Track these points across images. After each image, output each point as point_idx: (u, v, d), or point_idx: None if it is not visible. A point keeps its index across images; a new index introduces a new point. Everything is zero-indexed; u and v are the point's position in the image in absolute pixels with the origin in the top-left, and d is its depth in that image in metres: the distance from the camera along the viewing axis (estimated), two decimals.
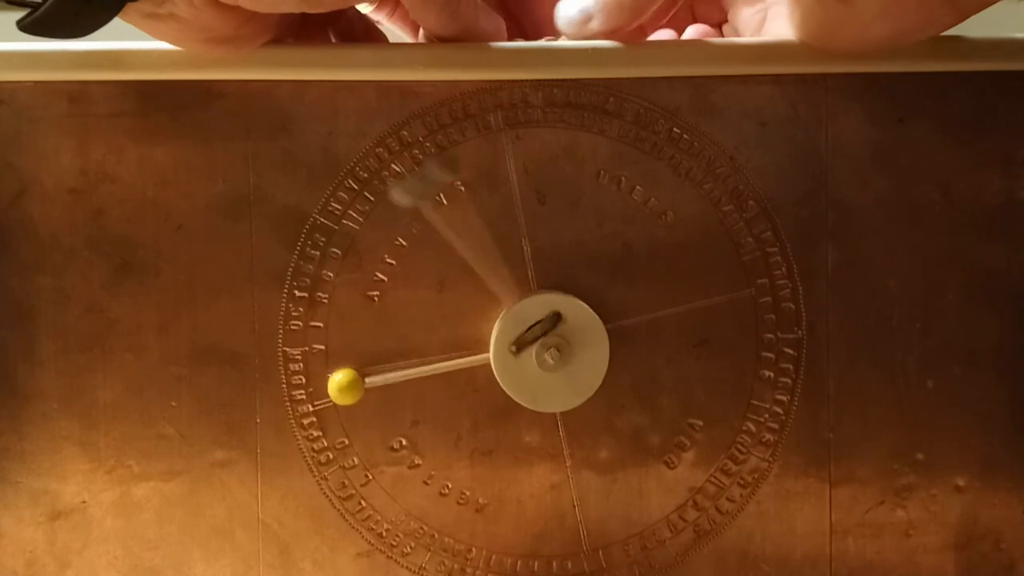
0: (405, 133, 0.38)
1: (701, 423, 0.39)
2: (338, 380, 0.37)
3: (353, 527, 0.39)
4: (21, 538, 0.39)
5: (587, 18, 0.37)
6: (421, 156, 0.38)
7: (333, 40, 0.40)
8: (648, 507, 0.39)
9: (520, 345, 0.37)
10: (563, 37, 0.38)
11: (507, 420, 0.39)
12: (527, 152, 0.38)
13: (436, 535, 0.39)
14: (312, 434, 0.39)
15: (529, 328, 0.37)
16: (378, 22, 0.42)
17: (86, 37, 0.31)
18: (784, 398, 0.39)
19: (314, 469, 0.39)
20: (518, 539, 0.39)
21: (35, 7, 0.29)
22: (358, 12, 0.40)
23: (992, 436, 0.39)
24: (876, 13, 0.32)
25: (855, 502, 0.39)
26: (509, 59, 0.37)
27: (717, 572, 0.39)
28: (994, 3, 0.33)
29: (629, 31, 0.37)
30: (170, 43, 0.35)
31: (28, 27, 0.30)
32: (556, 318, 0.37)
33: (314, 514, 0.39)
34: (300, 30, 0.38)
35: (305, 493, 0.39)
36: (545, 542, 0.39)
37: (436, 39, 0.38)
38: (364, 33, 0.40)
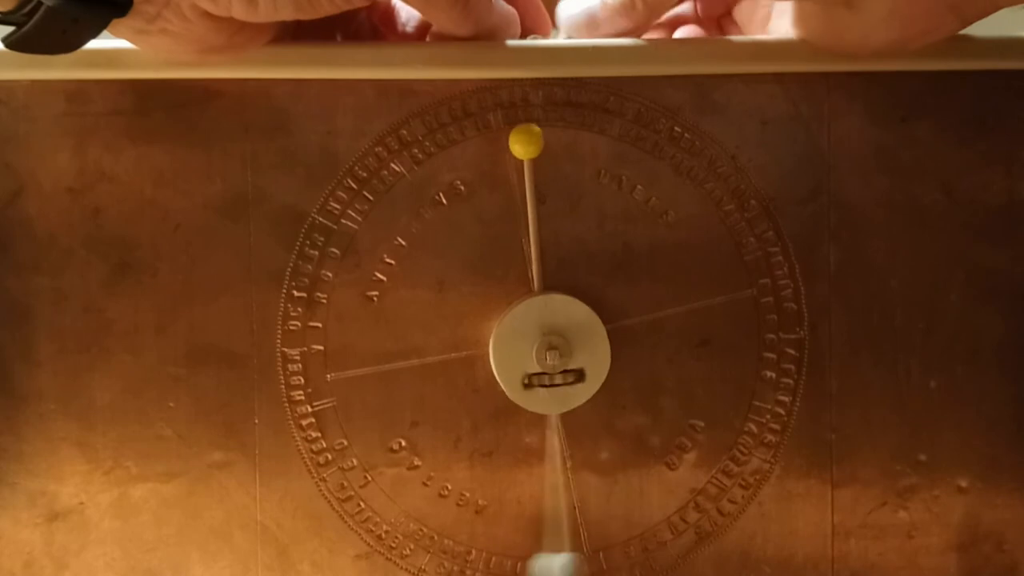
0: (404, 132, 0.38)
1: (702, 424, 0.39)
2: (519, 130, 0.35)
3: (352, 529, 0.39)
4: (19, 539, 0.39)
5: (592, 20, 0.37)
6: (420, 156, 0.38)
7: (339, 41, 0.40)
8: (649, 508, 0.39)
9: (532, 384, 0.37)
10: (557, 35, 0.38)
11: (507, 421, 0.38)
12: None
13: (435, 537, 0.39)
14: (311, 435, 0.38)
15: (551, 376, 0.37)
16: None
17: None
18: (786, 399, 0.39)
19: (313, 470, 0.39)
20: (518, 541, 0.39)
21: (21, 24, 0.29)
22: (369, 15, 0.40)
23: (995, 436, 0.39)
24: (881, 19, 0.32)
25: (857, 503, 0.39)
26: (509, 58, 0.37)
27: (718, 574, 0.39)
28: (997, 10, 0.33)
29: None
30: (162, 55, 0.35)
31: (14, 44, 0.30)
32: (579, 375, 0.37)
33: (313, 516, 0.39)
34: (303, 32, 0.38)
35: (304, 495, 0.39)
36: (545, 544, 0.39)
37: (448, 37, 0.37)
38: (371, 36, 0.40)
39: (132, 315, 0.38)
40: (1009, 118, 0.38)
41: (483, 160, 0.38)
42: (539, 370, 0.37)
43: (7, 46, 0.30)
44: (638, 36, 0.37)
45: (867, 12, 0.32)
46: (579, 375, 0.37)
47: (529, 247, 0.38)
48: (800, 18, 0.36)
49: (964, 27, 0.34)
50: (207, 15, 0.31)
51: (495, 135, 0.38)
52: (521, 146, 0.35)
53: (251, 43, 0.35)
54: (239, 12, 0.31)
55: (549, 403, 0.37)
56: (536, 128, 0.35)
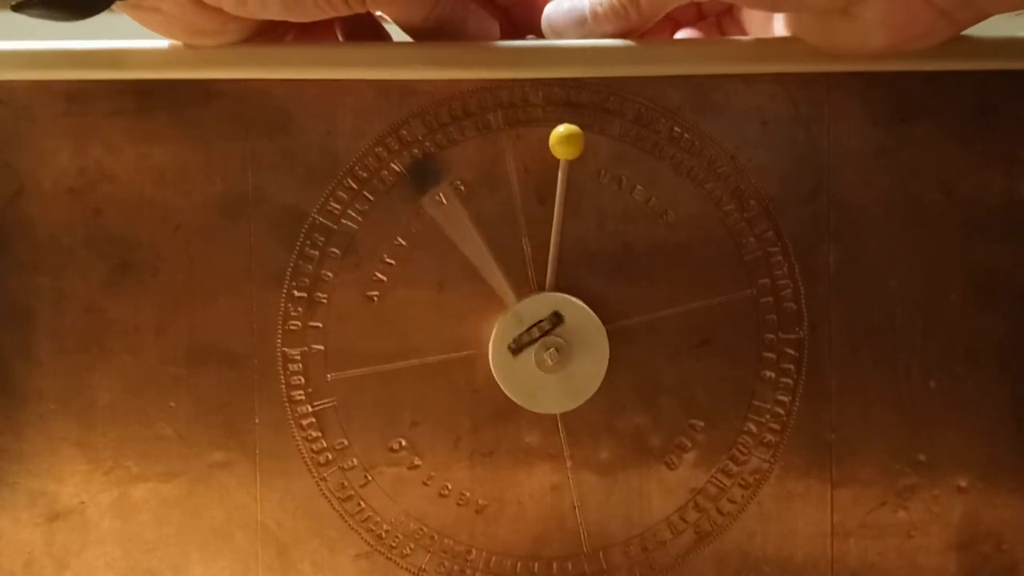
0: (404, 132, 0.38)
1: (702, 424, 0.39)
2: (561, 131, 0.35)
3: (352, 528, 0.39)
4: (19, 539, 0.39)
5: (581, 25, 0.36)
6: (419, 154, 0.38)
7: (340, 39, 0.40)
8: (649, 508, 0.39)
9: (519, 345, 0.37)
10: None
11: (507, 421, 0.38)
12: (527, 151, 0.38)
13: (436, 536, 0.39)
14: (311, 435, 0.38)
15: (529, 328, 0.37)
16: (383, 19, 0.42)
17: (83, 33, 0.32)
18: (785, 399, 0.39)
19: (313, 470, 0.39)
20: (518, 540, 0.39)
21: None
22: (371, 14, 0.40)
23: (994, 436, 0.39)
24: (876, 24, 0.33)
25: (857, 503, 0.39)
26: (509, 58, 0.37)
27: (718, 573, 0.39)
28: (987, 17, 0.33)
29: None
30: (159, 34, 0.35)
31: (27, 4, 0.30)
32: (556, 319, 0.37)
33: (313, 515, 0.39)
34: (305, 27, 0.38)
35: (304, 494, 0.39)
36: (545, 543, 0.39)
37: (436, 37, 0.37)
38: (373, 34, 0.40)
39: (132, 315, 0.38)
40: (1009, 118, 0.38)
41: (483, 160, 0.38)
42: (534, 365, 0.37)
43: (13, 9, 0.30)
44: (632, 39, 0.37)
45: (862, 19, 0.33)
46: (556, 318, 0.37)
47: (529, 247, 0.38)
48: (797, 24, 0.36)
49: (958, 32, 0.34)
50: (198, 2, 0.32)
51: (495, 135, 0.38)
52: (563, 147, 0.35)
53: (247, 32, 0.35)
54: (228, 5, 0.32)
55: (550, 403, 0.37)
56: (578, 129, 0.35)
